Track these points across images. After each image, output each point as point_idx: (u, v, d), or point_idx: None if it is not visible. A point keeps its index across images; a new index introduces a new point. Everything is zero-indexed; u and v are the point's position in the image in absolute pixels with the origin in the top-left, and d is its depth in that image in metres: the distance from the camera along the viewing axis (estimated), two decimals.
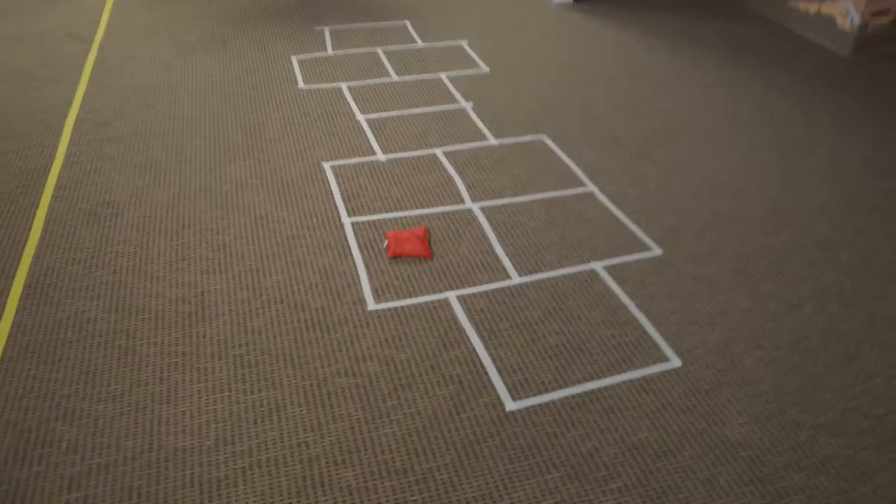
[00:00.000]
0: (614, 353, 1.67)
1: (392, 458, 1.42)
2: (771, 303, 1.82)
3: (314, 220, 2.11)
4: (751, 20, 3.68)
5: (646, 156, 2.46)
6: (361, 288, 1.85)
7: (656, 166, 2.40)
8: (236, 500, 1.33)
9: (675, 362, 1.64)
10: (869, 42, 3.30)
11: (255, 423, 1.49)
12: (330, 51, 3.28)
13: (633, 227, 2.08)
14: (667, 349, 1.68)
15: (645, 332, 1.72)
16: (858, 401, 1.56)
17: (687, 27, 3.57)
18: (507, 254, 1.96)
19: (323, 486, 1.37)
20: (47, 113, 2.70)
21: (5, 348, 1.67)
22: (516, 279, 1.88)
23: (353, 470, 1.40)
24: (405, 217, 2.11)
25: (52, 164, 2.38)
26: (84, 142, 2.51)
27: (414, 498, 1.34)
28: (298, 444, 1.44)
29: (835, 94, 2.92)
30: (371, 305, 1.79)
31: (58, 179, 2.30)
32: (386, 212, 2.13)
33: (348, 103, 2.80)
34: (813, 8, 3.47)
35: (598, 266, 1.93)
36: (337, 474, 1.39)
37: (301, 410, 1.52)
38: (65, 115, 2.69)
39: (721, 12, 3.78)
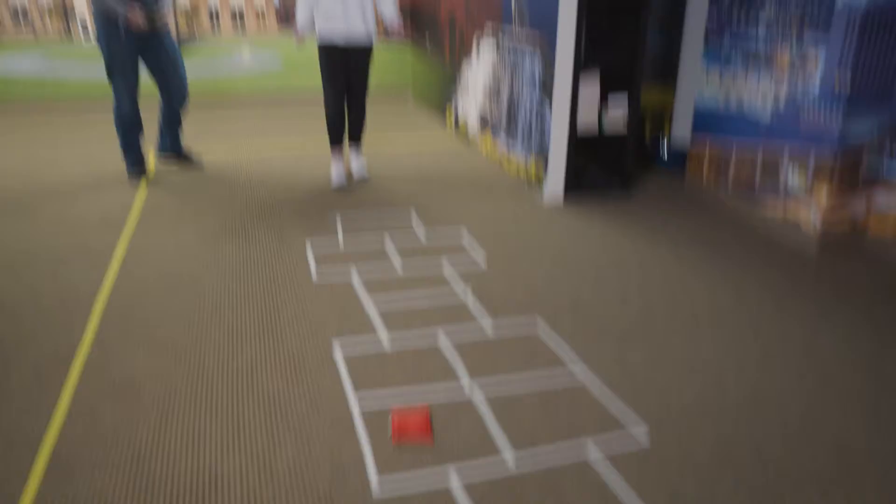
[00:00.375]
0: None
1: None
2: (756, 490, 1.92)
3: (320, 398, 2.26)
4: (723, 221, 4.04)
5: (630, 340, 2.66)
6: (367, 472, 1.95)
7: (640, 351, 2.59)
8: None
9: None
10: (833, 244, 3.63)
11: None
12: (341, 235, 3.60)
13: (620, 407, 2.23)
14: None
15: None
16: None
17: (666, 227, 3.92)
18: (504, 433, 2.09)
19: None
20: (78, 295, 2.94)
21: None
22: (511, 461, 1.99)
23: None
24: (408, 392, 2.26)
25: (79, 344, 2.57)
26: (111, 323, 2.72)
27: None
28: None
29: (805, 289, 3.18)
30: (376, 493, 1.89)
31: (86, 358, 2.48)
32: (391, 386, 2.27)
33: (356, 286, 3.05)
34: (779, 213, 3.84)
35: (588, 443, 2.05)
36: None
37: None
38: (94, 298, 2.92)
39: (695, 213, 4.16)
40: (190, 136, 4.90)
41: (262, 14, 7.03)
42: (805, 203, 3.66)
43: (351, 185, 4.35)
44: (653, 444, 2.07)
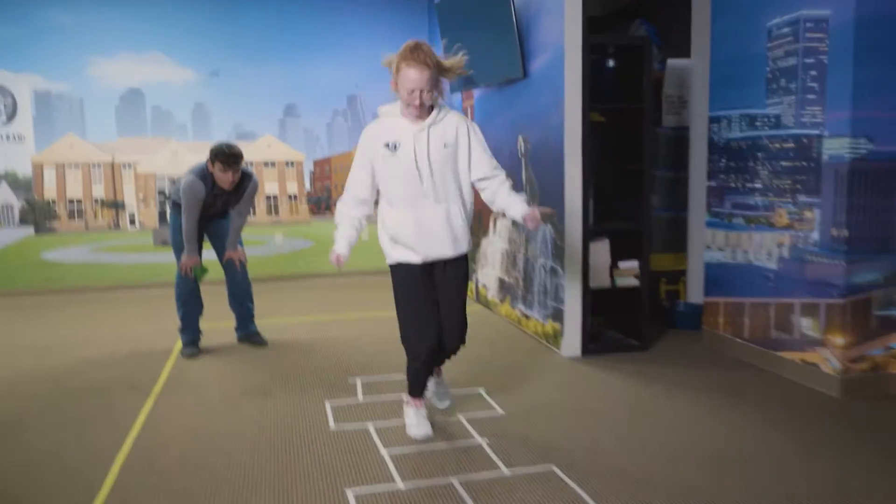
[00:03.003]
0: None
1: None
2: None
3: None
4: (742, 368, 4.04)
5: (651, 483, 2.59)
6: None
7: (660, 491, 2.52)
8: None
9: None
10: (854, 385, 3.59)
11: None
12: (360, 398, 3.65)
13: None
14: None
15: None
16: None
17: (685, 376, 3.92)
18: None
19: None
20: (99, 452, 2.98)
21: None
22: None
23: None
24: None
25: (96, 496, 2.58)
26: (129, 475, 2.75)
27: None
28: None
29: (829, 430, 3.11)
30: None
31: None
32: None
33: (374, 440, 3.06)
34: (797, 357, 3.84)
35: None
36: None
37: None
38: (115, 453, 2.96)
39: (713, 364, 4.16)
40: (217, 310, 5.14)
41: (295, 198, 7.57)
42: (821, 347, 3.67)
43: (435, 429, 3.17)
44: None
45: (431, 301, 2.93)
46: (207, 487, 2.63)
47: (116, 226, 7.15)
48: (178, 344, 4.77)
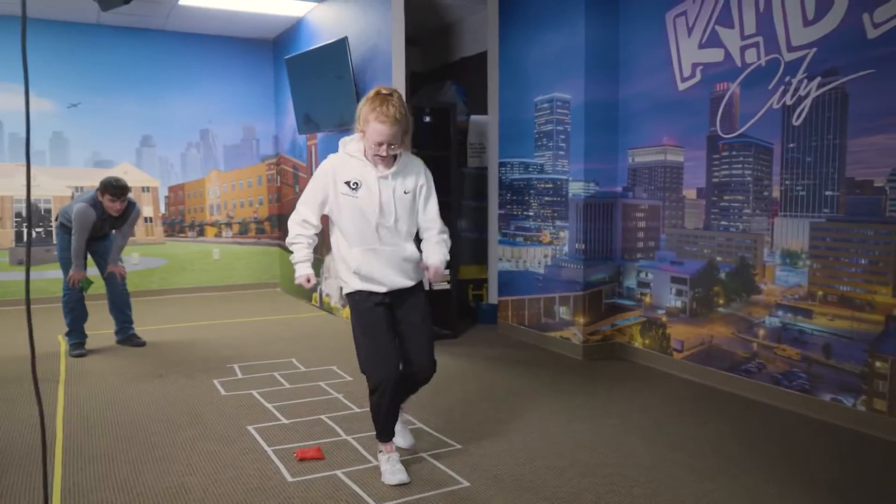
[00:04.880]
0: None
1: None
2: None
3: (247, 450, 3.34)
4: (524, 347, 5.61)
5: (447, 413, 3.96)
6: (282, 473, 3.06)
7: (454, 413, 3.90)
8: None
9: None
10: (592, 351, 5.25)
11: None
12: (240, 376, 4.72)
13: (444, 467, 3.49)
14: None
15: None
16: None
17: (484, 354, 5.39)
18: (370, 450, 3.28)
19: None
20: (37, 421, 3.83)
21: None
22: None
23: None
24: (304, 444, 3.40)
25: (55, 443, 3.49)
26: (75, 432, 3.66)
27: None
28: None
29: (574, 379, 4.68)
30: (289, 479, 3.00)
31: (62, 449, 3.40)
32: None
33: (258, 399, 4.18)
34: (557, 334, 5.45)
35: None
36: None
37: None
38: (54, 424, 3.83)
39: (504, 345, 5.69)
40: (95, 321, 5.89)
41: (151, 220, 8.27)
42: (571, 326, 5.30)
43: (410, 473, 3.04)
44: None
45: (392, 331, 2.90)
46: (141, 431, 3.62)
47: None
48: (63, 346, 5.49)
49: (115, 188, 5.14)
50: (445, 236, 3.00)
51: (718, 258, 4.50)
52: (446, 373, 4.76)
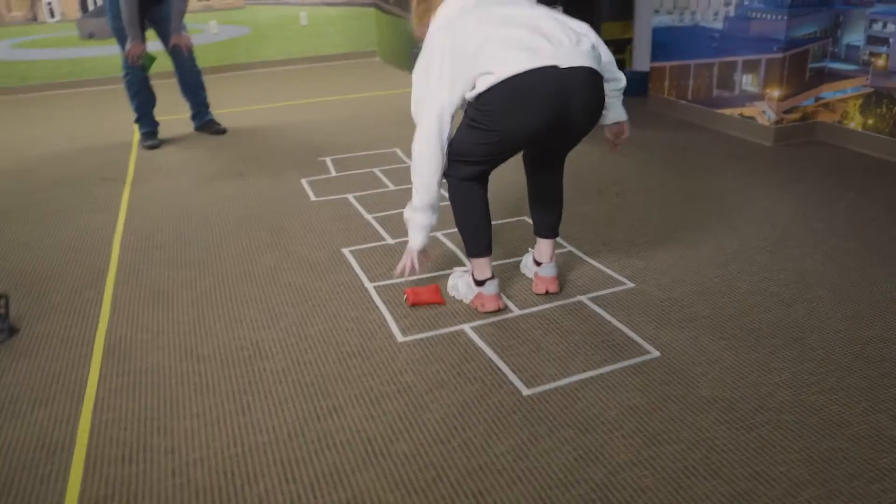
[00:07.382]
0: (605, 352, 2.03)
1: (436, 432, 1.73)
2: (727, 309, 2.21)
3: (341, 287, 2.50)
4: (686, 127, 4.35)
5: (612, 212, 2.93)
6: (390, 328, 2.21)
7: (624, 213, 2.87)
8: (312, 473, 1.62)
9: (655, 353, 2.01)
10: (786, 133, 3.94)
11: (319, 420, 1.80)
12: (333, 173, 3.82)
13: (608, 270, 2.51)
14: (647, 346, 2.04)
15: (627, 336, 2.10)
16: (804, 366, 1.93)
17: (633, 138, 4.19)
18: (507, 297, 2.35)
19: (383, 456, 1.66)
20: (95, 233, 3.13)
21: (97, 390, 1.98)
22: (517, 312, 2.26)
23: (406, 444, 1.70)
24: (419, 280, 2.51)
25: (108, 268, 2.78)
26: (132, 250, 2.93)
27: (457, 457, 1.64)
28: (357, 430, 1.75)
29: (763, 171, 3.48)
30: (400, 339, 2.15)
31: (115, 276, 2.69)
32: (401, 277, 2.51)
33: (355, 207, 3.29)
34: (737, 112, 4.14)
35: (583, 298, 2.33)
36: (393, 447, 1.69)
37: (355, 410, 1.83)
38: (112, 233, 3.12)
39: (659, 126, 4.46)
40: (169, 103, 5.05)
41: None
42: (759, 101, 3.96)
43: None
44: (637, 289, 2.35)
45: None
46: (211, 255, 2.84)
47: (34, 18, 6.65)
48: (136, 136, 4.75)
49: None
50: None
51: None
52: (587, 164, 3.66)
